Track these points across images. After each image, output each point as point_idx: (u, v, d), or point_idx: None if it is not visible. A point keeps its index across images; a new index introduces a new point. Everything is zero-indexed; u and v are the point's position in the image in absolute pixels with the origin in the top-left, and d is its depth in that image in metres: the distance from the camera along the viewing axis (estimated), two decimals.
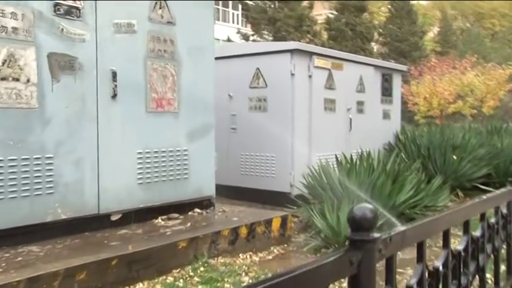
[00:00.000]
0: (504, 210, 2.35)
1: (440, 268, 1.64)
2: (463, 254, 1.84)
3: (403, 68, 8.47)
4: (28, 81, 3.47)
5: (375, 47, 35.32)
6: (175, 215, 4.46)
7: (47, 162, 3.58)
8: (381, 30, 33.92)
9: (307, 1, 26.67)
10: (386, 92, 7.92)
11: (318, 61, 6.32)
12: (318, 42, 23.35)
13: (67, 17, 3.66)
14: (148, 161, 4.28)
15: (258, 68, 6.34)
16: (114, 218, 4.05)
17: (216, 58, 6.76)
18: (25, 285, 2.79)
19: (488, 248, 2.15)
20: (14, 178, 3.41)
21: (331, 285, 1.16)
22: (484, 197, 2.22)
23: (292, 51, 6.07)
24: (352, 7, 29.59)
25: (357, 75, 7.09)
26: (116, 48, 3.98)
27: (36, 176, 3.52)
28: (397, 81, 8.25)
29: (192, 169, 4.65)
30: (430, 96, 16.36)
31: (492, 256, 2.23)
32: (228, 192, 6.67)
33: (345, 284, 1.29)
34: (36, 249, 3.38)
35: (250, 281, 3.56)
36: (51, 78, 3.59)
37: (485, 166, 7.13)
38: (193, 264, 3.74)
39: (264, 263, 4.11)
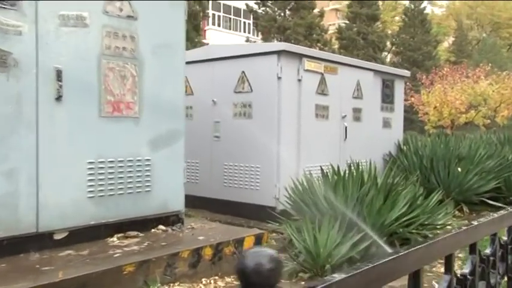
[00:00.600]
0: None
1: None
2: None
3: (406, 73, 7.91)
4: None
5: (388, 56, 34.76)
6: (134, 233, 3.96)
7: None
8: (393, 40, 33.35)
9: (317, 9, 26.23)
10: (388, 99, 7.36)
11: (308, 64, 5.80)
12: (328, 51, 22.84)
13: None
14: (102, 172, 3.79)
15: (243, 71, 5.85)
16: (58, 236, 3.56)
17: (200, 61, 6.32)
18: None
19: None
20: None
21: None
22: (495, 215, 1.78)
23: (279, 53, 5.57)
24: (364, 16, 29.12)
25: (353, 80, 6.55)
26: (62, 43, 3.51)
27: None
28: (399, 87, 7.69)
29: (155, 181, 4.15)
30: (441, 105, 15.70)
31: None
32: (211, 206, 6.18)
33: None
34: None
35: None
36: None
37: (493, 179, 6.52)
38: None
39: None
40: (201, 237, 3.99)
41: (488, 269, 1.71)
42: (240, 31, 34.11)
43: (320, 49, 23.83)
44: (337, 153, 6.19)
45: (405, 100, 19.52)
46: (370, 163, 4.79)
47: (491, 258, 1.75)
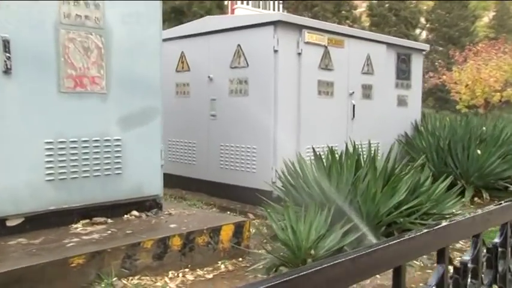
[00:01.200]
0: None
1: None
2: None
3: (425, 46, 7.27)
4: None
5: (423, 33, 33.39)
6: (101, 219, 3.63)
7: None
8: (428, 16, 31.94)
9: None
10: (403, 74, 6.78)
11: (309, 36, 5.31)
12: (358, 29, 21.99)
13: None
14: (63, 152, 3.46)
15: (239, 45, 5.41)
16: (11, 223, 3.26)
17: (196, 35, 5.91)
18: None
19: None
20: None
21: None
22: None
23: (275, 24, 5.09)
24: None
25: (363, 54, 6.02)
26: (10, 10, 3.17)
27: None
28: (417, 62, 7.08)
29: (127, 163, 3.81)
30: (473, 83, 14.78)
31: None
32: (208, 189, 5.84)
33: None
34: None
35: None
36: None
37: None
38: (93, 287, 2.91)
39: (198, 285, 3.22)
40: (173, 225, 3.64)
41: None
42: (268, 9, 33.43)
43: (349, 27, 23.00)
44: (343, 133, 5.70)
45: (437, 78, 18.64)
46: (369, 144, 4.31)
47: None
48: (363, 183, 3.90)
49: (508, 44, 17.49)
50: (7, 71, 3.14)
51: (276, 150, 5.13)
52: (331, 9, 24.40)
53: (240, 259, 3.75)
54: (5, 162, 3.19)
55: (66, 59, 3.43)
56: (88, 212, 3.62)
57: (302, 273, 0.82)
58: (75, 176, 3.53)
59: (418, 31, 31.34)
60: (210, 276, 3.39)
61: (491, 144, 5.88)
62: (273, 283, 0.77)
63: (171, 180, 6.37)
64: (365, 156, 4.33)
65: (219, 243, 3.64)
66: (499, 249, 1.61)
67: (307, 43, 5.28)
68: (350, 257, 0.93)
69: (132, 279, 3.10)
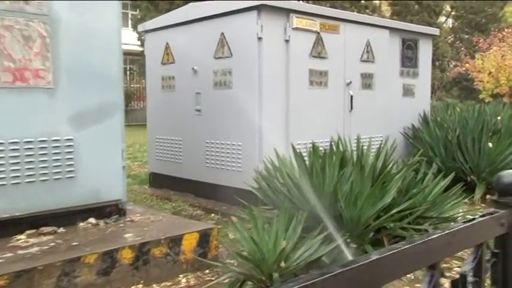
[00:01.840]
0: None
1: None
2: None
3: (434, 31, 6.68)
4: None
5: (449, 20, 32.23)
6: (49, 229, 3.26)
7: None
8: (453, 3, 30.79)
9: None
10: (409, 62, 6.23)
11: (298, 21, 4.83)
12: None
13: None
14: (1, 155, 3.10)
15: (222, 33, 4.98)
16: None
17: (179, 24, 5.50)
18: None
19: None
20: None
21: None
22: None
23: (258, 9, 4.63)
24: None
25: (361, 40, 5.50)
26: None
27: None
28: (425, 48, 6.50)
29: (81, 166, 3.43)
30: (497, 70, 13.97)
31: None
32: (195, 189, 5.45)
33: None
34: None
35: None
36: None
37: None
38: None
39: None
40: (128, 235, 3.24)
41: None
42: None
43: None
44: (339, 127, 5.21)
45: (460, 67, 17.80)
46: (358, 139, 3.82)
47: None
48: (347, 184, 3.44)
49: None
50: None
51: (261, 148, 4.69)
52: None
53: (207, 271, 3.33)
54: None
55: (2, 50, 3.06)
56: (36, 221, 3.25)
57: None
58: (16, 181, 3.16)
59: (443, 19, 30.31)
60: None
61: (506, 136, 5.30)
62: None
63: (159, 180, 6.02)
64: (364, 152, 3.85)
65: (180, 255, 3.23)
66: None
67: (296, 29, 4.81)
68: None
69: None
